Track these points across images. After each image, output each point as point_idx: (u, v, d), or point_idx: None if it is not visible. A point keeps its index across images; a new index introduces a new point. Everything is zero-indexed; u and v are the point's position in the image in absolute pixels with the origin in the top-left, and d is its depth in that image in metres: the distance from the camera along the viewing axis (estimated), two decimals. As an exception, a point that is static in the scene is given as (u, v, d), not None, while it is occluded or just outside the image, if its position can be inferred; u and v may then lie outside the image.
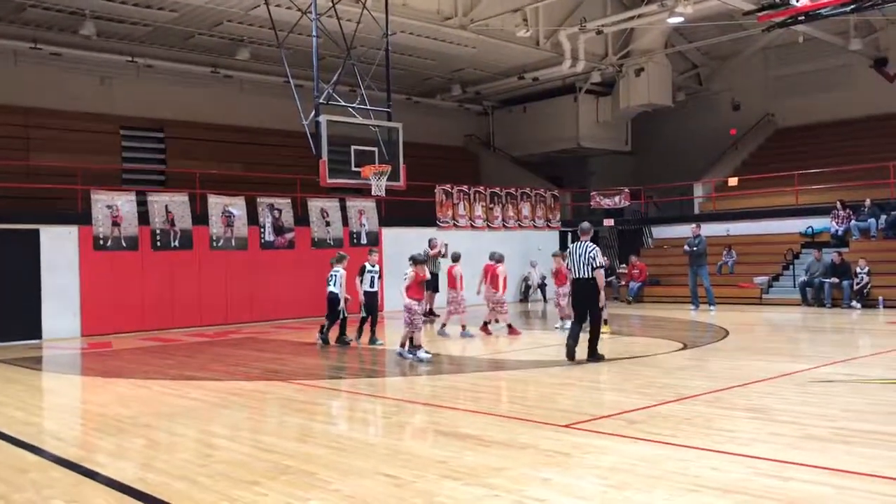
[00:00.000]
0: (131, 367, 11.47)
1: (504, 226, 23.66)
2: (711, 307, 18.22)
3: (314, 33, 14.52)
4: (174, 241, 17.24)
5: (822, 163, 22.76)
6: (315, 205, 19.62)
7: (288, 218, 19.03)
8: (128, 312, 16.44)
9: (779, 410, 7.01)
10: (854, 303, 17.75)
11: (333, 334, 13.29)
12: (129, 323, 16.41)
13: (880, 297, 17.65)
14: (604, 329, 11.40)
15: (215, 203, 17.95)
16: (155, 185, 19.99)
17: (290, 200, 19.19)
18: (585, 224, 10.78)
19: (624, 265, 23.21)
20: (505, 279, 13.91)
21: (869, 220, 19.67)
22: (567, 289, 15.20)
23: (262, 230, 18.56)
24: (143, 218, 16.91)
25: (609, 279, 11.84)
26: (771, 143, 27.65)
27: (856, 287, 17.85)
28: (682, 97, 28.25)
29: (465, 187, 22.91)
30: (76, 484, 5.37)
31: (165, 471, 5.58)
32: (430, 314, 16.34)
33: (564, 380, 9.33)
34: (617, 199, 24.83)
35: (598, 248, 10.24)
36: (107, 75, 21.28)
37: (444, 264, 15.68)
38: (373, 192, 15.00)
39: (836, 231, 20.13)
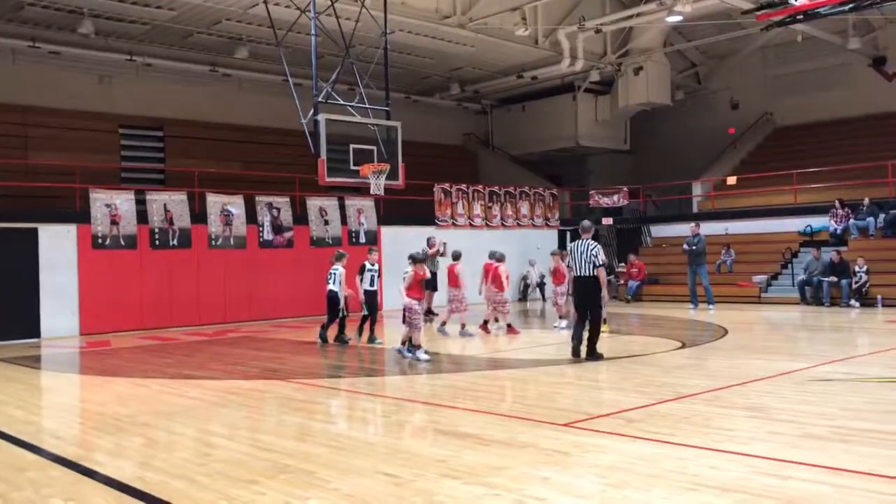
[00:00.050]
0: (130, 365, 11.47)
1: (503, 225, 23.66)
2: (710, 306, 18.25)
3: (313, 32, 14.52)
4: (173, 240, 17.23)
5: (821, 162, 22.78)
6: (314, 203, 19.62)
7: (287, 217, 19.03)
8: (126, 311, 16.44)
9: (777, 409, 7.01)
10: (852, 301, 17.77)
11: (332, 333, 13.28)
12: (127, 322, 16.41)
13: (879, 296, 17.67)
14: (603, 328, 11.40)
15: (214, 202, 17.94)
16: (154, 184, 19.99)
17: (288, 199, 19.19)
18: (586, 222, 10.80)
19: (623, 264, 23.21)
20: (507, 278, 13.92)
21: (867, 219, 19.68)
22: (565, 288, 15.25)
23: (261, 229, 18.56)
24: (142, 217, 16.90)
25: (608, 278, 11.84)
26: (769, 142, 27.66)
27: (854, 286, 17.87)
28: (680, 96, 28.26)
29: (463, 186, 22.91)
30: (75, 482, 5.37)
31: (164, 469, 5.58)
32: (428, 313, 16.33)
33: (563, 379, 9.34)
34: (615, 197, 24.83)
35: (599, 246, 10.25)
36: (105, 74, 21.26)
37: (443, 263, 15.67)
38: (371, 191, 14.99)
39: (835, 230, 20.15)
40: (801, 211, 21.53)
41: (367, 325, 13.09)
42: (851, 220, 19.97)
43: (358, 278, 12.89)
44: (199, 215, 17.68)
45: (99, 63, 20.75)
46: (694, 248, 18.54)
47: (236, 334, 15.59)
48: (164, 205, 17.25)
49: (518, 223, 24.11)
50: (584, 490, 4.85)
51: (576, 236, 10.65)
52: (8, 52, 19.43)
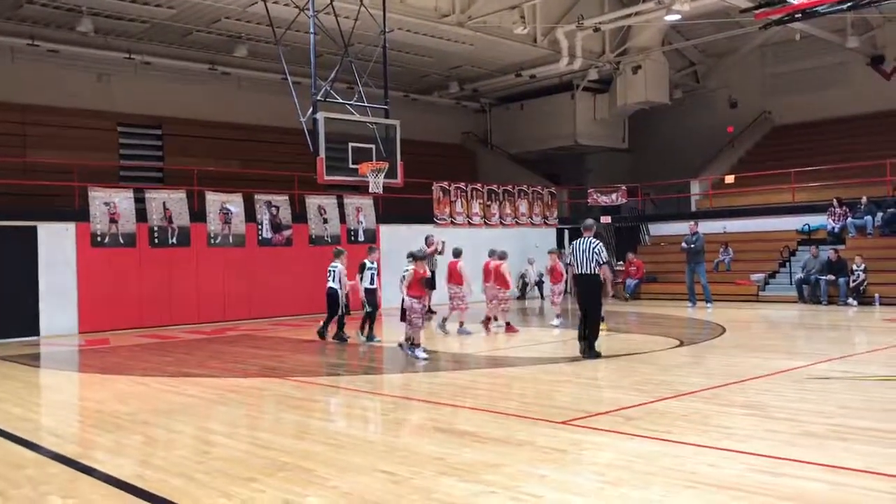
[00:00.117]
0: (129, 363, 11.48)
1: (501, 223, 23.66)
2: (708, 304, 18.28)
3: (312, 30, 14.50)
4: (172, 238, 17.23)
5: (819, 160, 22.79)
6: (313, 202, 19.62)
7: (285, 215, 19.03)
8: (125, 309, 16.44)
9: (775, 407, 7.03)
10: (850, 300, 17.79)
11: (331, 330, 13.28)
12: (126, 320, 16.41)
13: (876, 294, 17.69)
14: (601, 326, 11.42)
15: (213, 200, 17.94)
16: (153, 182, 20.00)
17: (287, 197, 19.19)
18: (589, 221, 10.85)
19: (621, 262, 23.22)
20: (509, 275, 13.98)
21: (865, 218, 19.70)
22: (562, 286, 15.28)
23: (260, 227, 18.56)
24: (141, 215, 16.90)
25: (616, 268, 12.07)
26: (768, 141, 27.67)
27: (852, 284, 17.89)
28: (679, 95, 28.24)
29: (462, 184, 22.92)
30: (73, 480, 5.38)
31: (163, 467, 5.59)
32: (427, 312, 16.31)
33: (562, 377, 9.36)
34: (614, 196, 24.84)
35: (601, 244, 10.30)
36: (104, 72, 21.24)
37: (443, 261, 15.66)
38: (370, 190, 14.99)
39: (833, 228, 20.17)
40: (799, 209, 21.54)
41: (366, 323, 13.09)
42: (849, 219, 19.99)
43: (358, 276, 12.91)
44: (198, 214, 17.69)
45: (98, 61, 20.73)
46: (692, 246, 18.57)
47: (235, 332, 15.60)
48: (163, 203, 17.25)
49: (516, 222, 24.12)
50: (581, 488, 4.86)
51: (574, 235, 10.70)
52: (7, 50, 19.41)
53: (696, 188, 25.57)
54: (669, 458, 5.42)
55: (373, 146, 14.95)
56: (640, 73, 25.29)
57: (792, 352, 11.39)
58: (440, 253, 16.58)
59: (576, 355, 10.44)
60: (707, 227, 21.38)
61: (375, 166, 14.65)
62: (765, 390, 7.86)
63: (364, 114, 15.29)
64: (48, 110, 19.77)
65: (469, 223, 22.74)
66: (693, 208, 25.05)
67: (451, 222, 22.24)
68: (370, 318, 13.07)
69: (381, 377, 10.27)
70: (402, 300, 10.99)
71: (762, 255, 21.19)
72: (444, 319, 14.28)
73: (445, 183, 22.39)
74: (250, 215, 18.40)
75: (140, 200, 17.06)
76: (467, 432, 6.39)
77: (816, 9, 17.66)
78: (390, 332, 13.93)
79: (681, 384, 8.31)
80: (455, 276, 14.03)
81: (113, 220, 16.45)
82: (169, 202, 17.32)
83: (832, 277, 18.14)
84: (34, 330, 15.43)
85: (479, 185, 23.58)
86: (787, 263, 20.03)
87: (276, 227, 18.82)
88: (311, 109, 14.24)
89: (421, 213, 21.65)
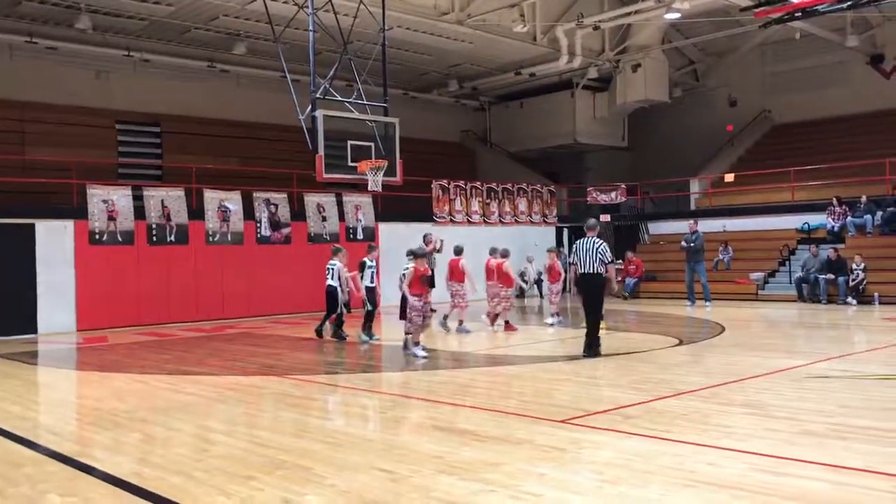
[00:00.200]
0: (127, 361, 11.46)
1: (500, 221, 23.65)
2: (707, 303, 18.27)
3: (311, 28, 14.48)
4: (170, 236, 17.21)
5: (819, 159, 22.79)
6: (311, 200, 19.60)
7: (284, 213, 19.01)
8: (124, 307, 16.42)
9: (775, 406, 7.02)
10: (850, 299, 17.78)
11: (328, 328, 13.27)
12: (124, 318, 16.39)
13: (876, 294, 17.69)
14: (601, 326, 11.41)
15: (211, 198, 17.92)
16: (151, 180, 19.98)
17: (286, 195, 19.17)
18: (592, 220, 10.86)
19: (620, 261, 23.19)
20: (512, 273, 14.01)
21: (865, 217, 19.69)
22: (560, 286, 15.27)
23: (259, 225, 18.54)
24: (139, 212, 16.88)
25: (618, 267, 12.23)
26: (767, 140, 27.67)
27: (851, 283, 17.88)
28: (678, 93, 28.23)
29: (461, 183, 22.90)
30: (72, 478, 5.37)
31: (161, 465, 5.57)
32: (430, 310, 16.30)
33: (561, 375, 9.36)
34: (613, 194, 24.83)
35: (605, 244, 10.31)
36: (103, 69, 21.22)
37: (443, 259, 15.63)
38: (369, 188, 14.97)
39: (833, 227, 20.16)
40: (799, 208, 21.53)
41: (366, 322, 13.07)
42: (849, 218, 19.99)
43: (359, 275, 12.89)
44: (196, 211, 17.66)
45: (96, 59, 20.71)
46: (692, 245, 18.56)
47: (234, 330, 15.59)
48: (162, 201, 17.22)
49: (516, 220, 24.11)
50: (579, 486, 4.85)
51: (573, 233, 10.74)
52: (5, 47, 19.39)
53: (695, 187, 25.57)
54: (668, 456, 5.41)
55: (372, 144, 14.94)
56: (639, 71, 25.28)
57: (791, 351, 11.38)
58: (439, 251, 16.56)
59: (575, 354, 10.42)
60: (706, 225, 21.37)
61: (374, 164, 14.64)
62: (764, 389, 7.85)
63: (363, 112, 15.27)
64: (46, 107, 19.75)
65: (468, 221, 22.73)
66: (692, 207, 25.05)
67: (451, 220, 22.22)
68: (370, 317, 13.04)
69: (379, 375, 10.26)
70: (402, 297, 10.97)
71: (762, 253, 21.19)
72: (446, 317, 14.25)
73: (445, 181, 22.37)
74: (249, 213, 18.38)
75: (138, 198, 17.04)
76: (466, 431, 6.38)
77: (816, 7, 17.66)
78: (389, 330, 13.92)
79: (680, 383, 8.30)
80: (457, 274, 13.99)
81: (111, 218, 16.43)
82: (167, 200, 17.29)
83: (832, 276, 18.14)
84: (32, 328, 15.41)
85: (478, 183, 23.56)
86: (787, 262, 20.03)
87: (275, 224, 18.80)
88: (310, 107, 14.23)
89: (420, 211, 21.63)
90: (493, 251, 14.34)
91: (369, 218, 20.64)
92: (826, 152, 23.56)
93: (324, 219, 19.71)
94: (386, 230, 20.66)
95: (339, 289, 13.01)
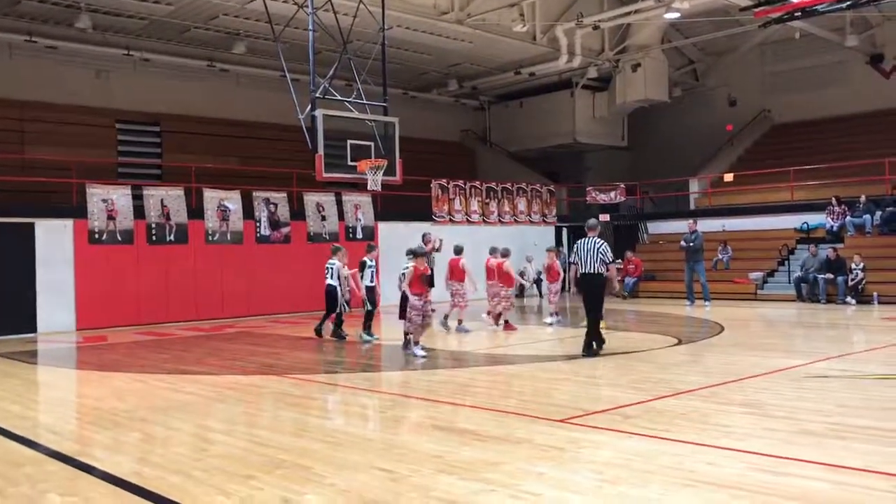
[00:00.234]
0: (127, 361, 11.47)
1: (500, 221, 23.65)
2: (706, 303, 18.27)
3: (311, 27, 14.48)
4: (170, 235, 17.21)
5: (818, 159, 22.79)
6: (311, 199, 19.60)
7: (284, 212, 19.01)
8: (123, 306, 16.42)
9: (774, 406, 7.02)
10: (849, 299, 17.79)
11: (327, 327, 13.28)
12: (124, 317, 16.39)
13: (875, 293, 17.70)
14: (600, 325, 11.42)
15: (211, 197, 17.92)
16: (150, 179, 19.98)
17: (286, 195, 19.17)
18: (593, 220, 10.90)
19: (619, 260, 23.20)
20: (513, 272, 14.02)
21: (864, 216, 19.70)
22: (559, 285, 15.27)
23: (258, 224, 18.54)
24: (139, 212, 16.88)
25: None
26: (767, 139, 27.68)
27: (850, 283, 17.89)
28: (678, 93, 28.23)
29: (461, 182, 22.90)
30: (72, 478, 5.37)
31: (161, 465, 5.58)
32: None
33: (560, 375, 9.36)
34: (613, 194, 24.83)
35: (606, 244, 10.34)
36: (103, 69, 21.22)
37: (441, 259, 15.62)
38: (369, 187, 14.98)
39: (832, 227, 20.17)
40: (798, 208, 21.54)
41: (366, 321, 13.07)
42: (848, 218, 20.00)
43: (358, 273, 12.90)
44: (195, 210, 17.66)
45: (96, 58, 20.71)
46: (691, 244, 18.56)
47: (233, 330, 15.59)
48: (161, 200, 17.22)
49: (515, 219, 24.11)
50: (579, 486, 4.86)
51: (572, 233, 10.78)
52: (5, 46, 19.38)
53: (694, 186, 25.58)
54: (668, 456, 5.41)
55: (371, 143, 14.93)
56: (639, 71, 25.28)
57: (790, 350, 11.39)
58: (437, 251, 16.55)
59: (574, 353, 10.43)
60: (706, 225, 21.37)
61: (374, 164, 14.64)
62: (763, 389, 7.86)
63: (363, 111, 15.26)
64: (46, 107, 19.74)
65: (468, 221, 22.73)
66: (692, 206, 25.06)
67: (450, 220, 22.23)
68: (369, 316, 13.04)
69: (379, 374, 10.26)
70: (402, 297, 10.96)
71: (761, 253, 21.20)
72: (446, 316, 14.25)
73: (444, 180, 22.38)
74: (248, 212, 18.38)
75: (138, 197, 17.04)
76: (466, 430, 6.38)
77: (816, 7, 17.66)
78: (389, 330, 13.92)
79: (679, 382, 8.30)
80: (457, 273, 13.98)
81: (111, 217, 16.43)
82: (167, 199, 17.29)
83: (831, 276, 18.14)
84: (32, 327, 15.41)
85: (477, 182, 23.57)
86: (786, 262, 20.05)
87: (275, 224, 18.80)
88: (309, 106, 14.23)
89: (419, 210, 21.63)
90: (493, 251, 14.34)
91: (369, 217, 20.64)
92: (825, 152, 23.56)
93: (323, 218, 19.71)
94: (385, 229, 20.66)
95: (338, 288, 13.01)
